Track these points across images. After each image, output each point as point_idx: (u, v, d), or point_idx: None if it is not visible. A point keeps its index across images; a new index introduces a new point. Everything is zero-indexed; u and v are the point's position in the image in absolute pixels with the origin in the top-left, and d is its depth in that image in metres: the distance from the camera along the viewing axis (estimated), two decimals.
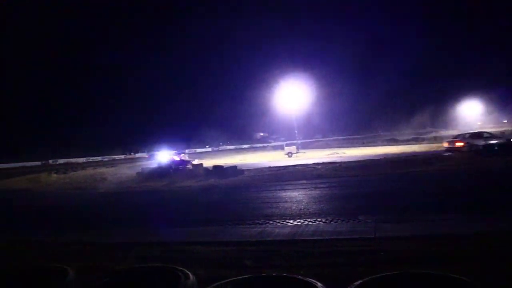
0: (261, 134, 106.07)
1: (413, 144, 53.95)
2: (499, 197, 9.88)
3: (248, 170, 24.40)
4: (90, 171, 40.68)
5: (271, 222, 9.01)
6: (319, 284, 2.36)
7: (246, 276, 2.69)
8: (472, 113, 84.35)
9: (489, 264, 4.88)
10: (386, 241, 6.63)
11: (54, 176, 34.64)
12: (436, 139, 62.59)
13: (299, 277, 2.51)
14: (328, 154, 39.58)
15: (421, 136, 69.48)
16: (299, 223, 8.64)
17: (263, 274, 2.72)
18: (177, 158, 32.55)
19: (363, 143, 69.14)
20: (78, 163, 70.56)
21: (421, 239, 6.57)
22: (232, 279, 2.69)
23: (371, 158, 26.85)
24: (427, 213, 8.52)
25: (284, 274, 2.62)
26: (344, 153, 40.83)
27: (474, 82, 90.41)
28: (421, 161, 21.17)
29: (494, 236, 6.31)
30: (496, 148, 21.75)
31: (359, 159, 26.97)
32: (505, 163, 17.43)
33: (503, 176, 14.68)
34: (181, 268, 2.82)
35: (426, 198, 10.67)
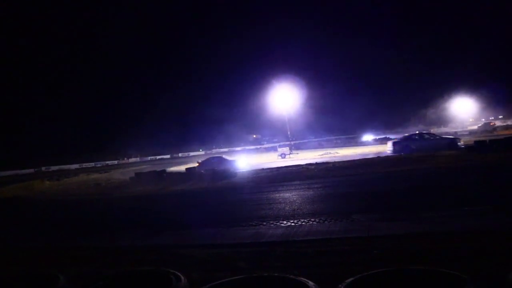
0: (254, 136, 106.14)
1: None
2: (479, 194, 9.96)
3: (241, 172, 24.42)
4: (83, 177, 40.43)
5: (264, 223, 9.01)
6: (310, 283, 2.37)
7: (238, 277, 2.69)
8: (464, 110, 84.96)
9: (483, 261, 4.92)
10: (379, 240, 6.65)
11: (47, 183, 34.37)
12: None
13: (291, 276, 2.51)
14: (321, 155, 39.67)
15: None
16: (293, 224, 8.65)
17: (254, 275, 2.72)
18: None
19: (356, 142, 69.47)
20: (70, 170, 70.18)
21: (415, 237, 6.60)
22: (224, 280, 2.69)
23: (364, 157, 26.92)
24: (421, 210, 8.55)
25: (276, 274, 2.62)
26: (337, 153, 40.95)
27: (465, 80, 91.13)
28: (414, 160, 21.26)
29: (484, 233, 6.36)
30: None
31: (352, 158, 27.04)
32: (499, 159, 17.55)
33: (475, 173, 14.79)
34: (172, 271, 2.82)
35: (420, 196, 10.75)
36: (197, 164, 32.66)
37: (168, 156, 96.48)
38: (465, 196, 9.88)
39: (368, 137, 74.93)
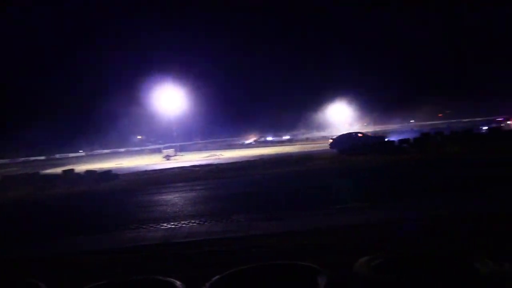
0: (139, 137, 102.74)
1: (288, 145, 56.94)
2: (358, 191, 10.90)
3: (124, 174, 23.50)
4: None
5: (144, 226, 8.76)
6: (178, 283, 2.36)
7: (104, 281, 2.59)
8: (341, 116, 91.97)
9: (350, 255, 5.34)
10: (258, 239, 6.85)
11: None
12: (308, 140, 67.06)
13: (159, 277, 2.48)
14: (207, 156, 39.92)
15: (295, 138, 73.88)
16: (173, 226, 8.54)
17: (121, 279, 2.64)
18: None
19: (241, 145, 71.13)
20: None
21: (293, 234, 6.91)
22: (92, 285, 2.57)
23: (247, 159, 27.66)
24: (298, 209, 9.01)
25: (143, 276, 2.57)
26: (221, 155, 41.47)
27: (343, 87, 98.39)
28: (294, 161, 22.48)
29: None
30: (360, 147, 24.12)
31: (236, 160, 27.63)
32: (366, 161, 19.28)
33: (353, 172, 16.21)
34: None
35: (298, 196, 11.35)
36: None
37: (43, 158, 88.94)
38: (338, 195, 10.66)
39: (251, 139, 77.30)
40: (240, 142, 77.29)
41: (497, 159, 15.67)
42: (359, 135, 30.29)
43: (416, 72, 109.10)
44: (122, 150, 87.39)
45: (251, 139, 76.99)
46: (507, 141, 21.17)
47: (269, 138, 79.52)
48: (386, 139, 28.12)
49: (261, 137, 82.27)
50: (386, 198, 9.57)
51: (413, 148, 22.35)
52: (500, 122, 43.68)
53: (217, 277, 2.38)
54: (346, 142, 27.04)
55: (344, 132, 34.31)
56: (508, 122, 37.96)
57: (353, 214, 8.14)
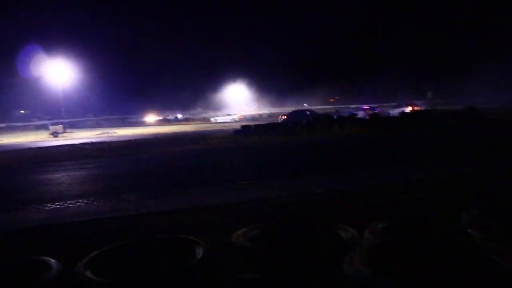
0: (22, 111, 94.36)
1: (185, 124, 56.57)
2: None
3: (3, 152, 21.62)
4: None
5: (25, 207, 8.20)
6: (52, 261, 2.31)
7: None
8: (239, 97, 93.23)
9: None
10: (147, 217, 6.82)
11: None
12: (205, 119, 67.34)
13: (32, 257, 2.41)
14: (99, 134, 38.16)
15: (192, 117, 73.63)
16: (58, 206, 8.12)
17: None
18: None
19: (138, 123, 69.18)
20: None
21: (180, 211, 6.98)
22: None
23: (142, 137, 27.03)
24: (189, 187, 9.08)
25: (17, 257, 2.47)
26: (115, 132, 39.92)
27: (242, 69, 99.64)
28: (190, 140, 22.45)
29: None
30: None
31: (130, 138, 26.85)
32: (259, 141, 19.91)
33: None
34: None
35: (189, 174, 11.42)
36: None
37: None
38: (229, 174, 10.95)
39: (150, 118, 75.30)
40: (135, 120, 74.99)
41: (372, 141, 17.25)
42: (307, 112, 35.72)
43: (312, 58, 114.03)
44: (2, 125, 79.69)
45: (147, 117, 74.98)
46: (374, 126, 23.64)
47: (168, 117, 78.07)
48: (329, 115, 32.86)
49: (159, 115, 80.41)
50: (270, 177, 10.00)
51: (304, 130, 23.55)
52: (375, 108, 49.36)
53: (95, 252, 2.37)
54: (298, 117, 32.19)
55: (295, 109, 45.02)
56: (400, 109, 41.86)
57: (240, 192, 8.44)
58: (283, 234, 2.83)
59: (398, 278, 1.79)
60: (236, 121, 58.42)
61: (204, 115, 77.06)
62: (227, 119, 62.33)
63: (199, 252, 2.25)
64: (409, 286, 1.70)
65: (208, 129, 36.10)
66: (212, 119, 63.96)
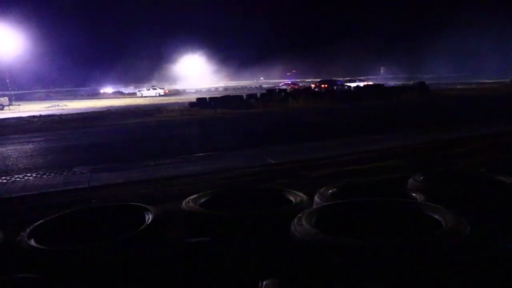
0: None
1: (139, 97, 55.43)
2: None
3: None
4: None
5: None
6: None
7: None
8: (195, 71, 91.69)
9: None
10: (99, 189, 6.69)
11: None
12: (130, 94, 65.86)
13: None
14: (48, 107, 36.66)
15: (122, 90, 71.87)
16: (5, 181, 7.81)
17: None
18: None
19: (93, 95, 67.14)
20: None
21: (133, 183, 6.89)
22: None
23: (95, 110, 26.27)
24: (144, 160, 8.95)
25: None
26: (66, 105, 38.46)
27: (198, 43, 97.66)
28: (143, 113, 22.08)
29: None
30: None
31: (82, 111, 26.03)
32: (214, 114, 19.82)
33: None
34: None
35: (144, 147, 11.27)
36: None
37: None
38: (185, 146, 10.89)
39: (107, 90, 72.94)
40: (88, 93, 72.55)
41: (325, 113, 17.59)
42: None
43: (270, 32, 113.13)
44: None
45: (101, 90, 72.65)
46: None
47: (121, 90, 75.69)
48: None
49: (112, 88, 77.94)
50: (226, 149, 10.02)
51: (259, 103, 23.62)
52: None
53: (40, 221, 2.30)
54: None
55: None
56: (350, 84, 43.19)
57: (195, 164, 8.44)
58: (233, 199, 2.86)
59: (339, 235, 1.86)
60: (160, 95, 57.75)
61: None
62: (152, 93, 60.50)
63: (148, 218, 2.23)
64: (347, 240, 1.77)
65: (163, 102, 35.49)
66: (138, 93, 62.13)
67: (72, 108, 33.92)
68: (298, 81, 64.63)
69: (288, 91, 33.27)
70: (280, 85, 56.47)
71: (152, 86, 66.70)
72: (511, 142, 8.89)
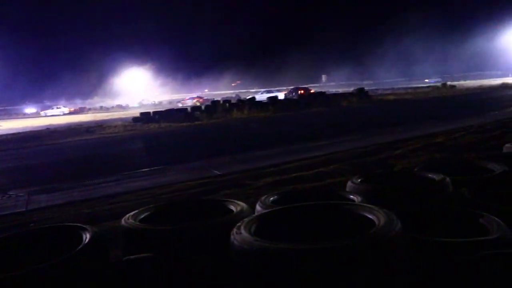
0: None
1: (80, 114, 53.79)
2: None
3: None
4: None
5: None
6: None
7: None
8: (138, 85, 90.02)
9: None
10: (38, 212, 6.41)
11: None
12: (102, 109, 64.34)
13: None
14: None
15: (88, 107, 69.83)
16: None
17: None
18: None
19: (25, 114, 64.37)
20: None
21: (74, 204, 6.66)
22: None
23: (33, 129, 25.23)
24: (86, 179, 8.68)
25: None
26: (0, 125, 36.56)
27: (142, 56, 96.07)
28: (85, 130, 21.46)
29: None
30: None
31: (19, 131, 24.90)
32: (159, 128, 19.56)
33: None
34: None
35: (86, 165, 10.93)
36: None
37: None
38: (129, 162, 10.68)
39: (41, 108, 69.93)
40: (24, 112, 69.27)
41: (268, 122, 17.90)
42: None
43: (216, 44, 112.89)
44: None
45: (38, 108, 69.52)
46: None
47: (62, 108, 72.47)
48: None
49: (51, 106, 74.59)
50: (171, 163, 9.88)
51: (204, 115, 23.59)
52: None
53: None
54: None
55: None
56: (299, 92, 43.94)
57: (138, 180, 8.31)
58: (174, 213, 2.85)
59: (278, 240, 1.90)
60: (65, 114, 57.58)
61: (101, 104, 73.19)
62: (57, 112, 59.80)
63: (86, 238, 2.17)
64: (284, 245, 1.81)
65: (106, 118, 34.59)
66: (42, 113, 60.98)
67: (7, 128, 32.28)
68: (203, 95, 67.09)
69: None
70: (186, 99, 58.82)
71: (57, 106, 65.32)
72: (443, 142, 9.42)
